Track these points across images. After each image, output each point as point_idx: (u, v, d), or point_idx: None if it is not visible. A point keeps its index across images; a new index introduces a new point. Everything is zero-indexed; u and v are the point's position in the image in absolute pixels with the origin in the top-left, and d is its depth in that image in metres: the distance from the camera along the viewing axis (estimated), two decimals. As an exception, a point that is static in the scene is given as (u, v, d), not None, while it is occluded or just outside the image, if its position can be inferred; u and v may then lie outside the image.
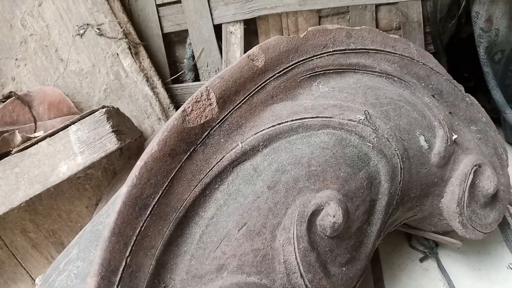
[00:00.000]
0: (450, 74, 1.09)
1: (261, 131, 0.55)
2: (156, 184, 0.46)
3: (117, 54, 0.78)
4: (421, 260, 0.86)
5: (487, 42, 0.93)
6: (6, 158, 0.70)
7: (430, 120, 0.70)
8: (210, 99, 0.52)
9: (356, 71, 0.68)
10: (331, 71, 0.65)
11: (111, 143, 0.69)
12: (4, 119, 0.81)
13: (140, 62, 0.79)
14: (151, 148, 0.46)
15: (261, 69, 0.57)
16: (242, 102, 0.55)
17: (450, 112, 0.77)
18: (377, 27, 0.88)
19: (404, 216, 0.73)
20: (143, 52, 0.80)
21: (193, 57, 0.87)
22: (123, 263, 0.43)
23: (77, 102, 0.81)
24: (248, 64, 0.56)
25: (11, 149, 0.72)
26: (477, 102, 0.82)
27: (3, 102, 0.80)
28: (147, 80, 0.79)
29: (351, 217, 0.59)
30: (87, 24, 0.77)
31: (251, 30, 0.87)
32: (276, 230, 0.52)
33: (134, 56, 0.78)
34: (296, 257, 0.52)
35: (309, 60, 0.63)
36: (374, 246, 0.65)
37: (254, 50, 0.57)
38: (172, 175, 0.48)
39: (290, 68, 0.60)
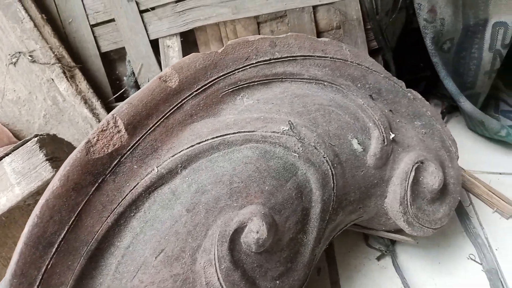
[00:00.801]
0: (404, 65, 1.09)
1: (179, 152, 0.55)
2: (61, 220, 0.46)
3: (52, 79, 0.77)
4: (378, 258, 0.86)
5: (433, 33, 0.92)
6: None
7: (364, 121, 0.69)
8: (118, 126, 0.51)
9: (283, 80, 0.67)
10: (256, 83, 0.64)
11: (46, 172, 0.69)
12: None
13: (77, 85, 0.79)
14: (53, 184, 0.46)
15: (175, 89, 0.56)
16: (156, 125, 0.54)
17: (390, 110, 0.77)
18: (317, 28, 0.87)
19: (348, 219, 0.72)
20: (79, 75, 0.80)
21: (133, 73, 0.86)
22: (28, 304, 0.43)
23: (18, 130, 0.80)
24: (160, 85, 0.55)
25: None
26: (420, 96, 0.81)
27: None
28: (86, 102, 0.78)
29: (280, 229, 0.58)
30: (19, 52, 0.76)
31: (191, 42, 0.87)
32: (197, 253, 0.52)
33: (69, 79, 0.78)
34: (218, 278, 0.51)
35: (231, 75, 0.62)
36: (313, 254, 0.65)
37: (167, 70, 0.56)
38: (79, 209, 0.48)
39: (210, 84, 0.60)
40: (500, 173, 1.06)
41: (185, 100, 0.57)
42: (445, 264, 0.87)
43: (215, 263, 0.51)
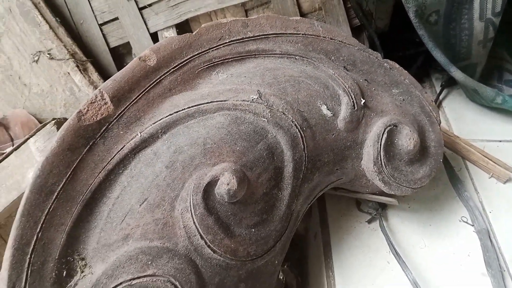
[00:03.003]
0: (401, 41, 1.12)
1: (160, 120, 0.65)
2: (59, 173, 0.57)
3: (68, 72, 0.90)
4: (369, 222, 0.91)
5: (415, 6, 0.96)
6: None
7: (334, 89, 0.75)
8: (105, 99, 0.62)
9: (256, 56, 0.75)
10: (230, 59, 0.73)
11: (63, 149, 0.81)
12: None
13: (89, 77, 0.91)
14: (51, 145, 0.57)
15: (154, 67, 0.66)
16: (138, 97, 0.64)
17: (366, 79, 0.82)
18: (300, 11, 0.94)
19: (327, 180, 0.78)
20: (91, 68, 0.92)
21: (138, 65, 0.97)
22: (35, 237, 0.54)
23: (44, 119, 0.94)
24: (140, 64, 0.65)
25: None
26: (398, 66, 0.86)
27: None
28: (97, 91, 0.90)
29: (253, 184, 0.66)
30: (39, 51, 0.90)
31: (188, 32, 0.96)
32: (175, 201, 0.61)
33: (83, 72, 0.90)
34: (194, 222, 0.60)
35: (205, 53, 0.71)
36: (290, 208, 0.71)
37: (146, 52, 0.66)
38: (74, 165, 0.58)
39: (185, 62, 0.69)
40: (500, 141, 1.07)
41: (164, 76, 0.67)
42: (436, 226, 0.91)
43: (190, 210, 0.60)
